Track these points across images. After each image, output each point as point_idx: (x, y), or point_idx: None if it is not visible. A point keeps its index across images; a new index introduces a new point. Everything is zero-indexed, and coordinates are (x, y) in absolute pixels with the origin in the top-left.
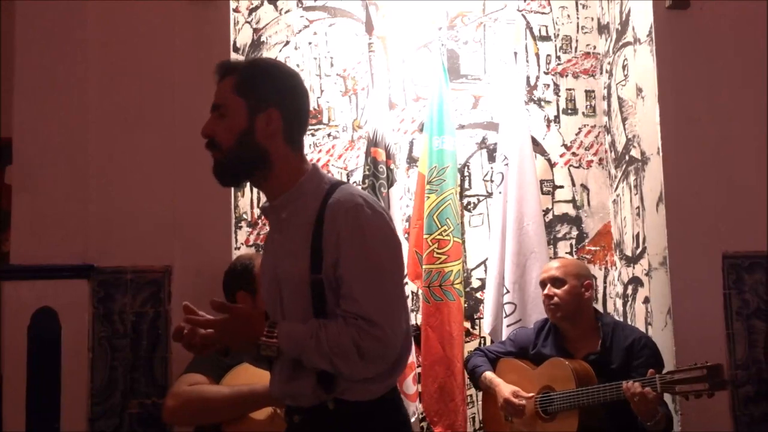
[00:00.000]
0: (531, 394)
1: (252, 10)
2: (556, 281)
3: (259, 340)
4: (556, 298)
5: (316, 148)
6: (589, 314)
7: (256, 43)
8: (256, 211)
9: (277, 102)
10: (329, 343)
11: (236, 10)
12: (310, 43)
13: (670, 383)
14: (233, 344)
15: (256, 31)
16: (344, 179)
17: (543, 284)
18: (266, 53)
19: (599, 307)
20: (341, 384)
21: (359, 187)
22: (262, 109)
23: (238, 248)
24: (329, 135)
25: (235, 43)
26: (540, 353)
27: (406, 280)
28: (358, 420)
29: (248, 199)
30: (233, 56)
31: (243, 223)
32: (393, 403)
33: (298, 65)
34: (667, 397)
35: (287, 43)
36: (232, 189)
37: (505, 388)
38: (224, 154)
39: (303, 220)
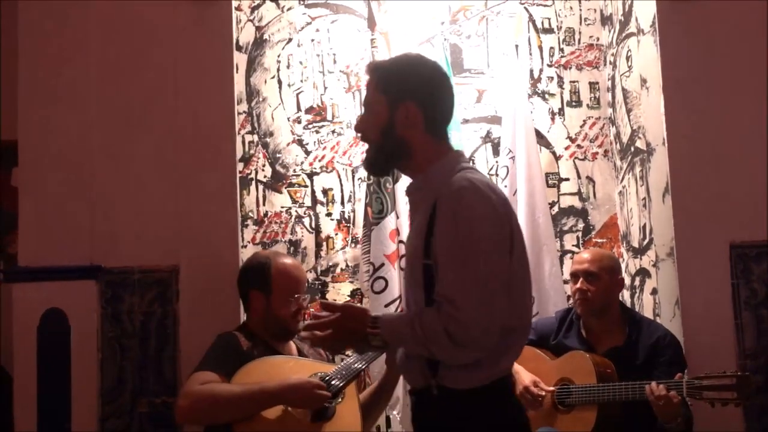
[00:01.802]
0: (551, 388)
1: (254, 8)
2: (590, 276)
3: (367, 333)
4: (589, 294)
5: (320, 144)
6: (616, 309)
7: (259, 41)
8: (262, 209)
9: (414, 95)
10: (423, 331)
11: (238, 9)
12: (312, 40)
13: (697, 389)
14: (348, 340)
15: (258, 29)
16: (349, 175)
17: (575, 276)
18: (269, 51)
19: None
20: (442, 369)
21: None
22: (400, 103)
23: (245, 246)
24: (333, 132)
25: (237, 41)
26: (561, 344)
27: None
28: (457, 409)
29: (254, 197)
30: (236, 55)
31: (249, 221)
32: (496, 397)
33: (300, 62)
34: None
35: (290, 40)
36: (238, 188)
37: (526, 377)
38: (372, 147)
39: (426, 205)
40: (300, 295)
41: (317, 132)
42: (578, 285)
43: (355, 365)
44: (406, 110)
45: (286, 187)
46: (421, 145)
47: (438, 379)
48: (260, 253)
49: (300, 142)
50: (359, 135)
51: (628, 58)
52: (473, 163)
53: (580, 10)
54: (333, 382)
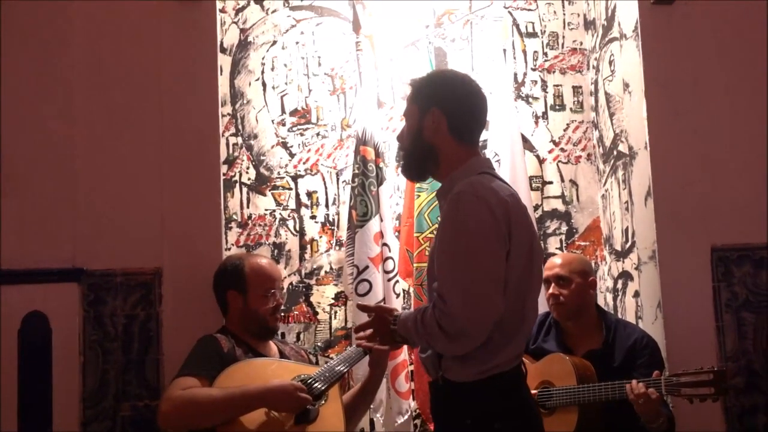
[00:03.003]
0: (532, 391)
1: (239, 11)
2: (561, 280)
3: (390, 330)
4: (561, 298)
5: (305, 147)
6: (592, 311)
7: (244, 44)
8: (246, 212)
9: (440, 103)
10: (423, 325)
11: (223, 11)
12: (297, 43)
13: (675, 386)
14: (383, 335)
15: (243, 31)
16: (333, 178)
17: (547, 282)
18: (253, 53)
19: None
20: (444, 362)
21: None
22: (427, 111)
23: (229, 249)
24: (318, 134)
25: (222, 43)
26: (540, 348)
27: (397, 278)
28: (456, 400)
29: (238, 200)
30: (220, 57)
31: (233, 224)
32: (490, 392)
33: (285, 65)
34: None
35: (274, 42)
36: (221, 190)
37: None
38: (405, 153)
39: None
40: (276, 290)
41: (302, 135)
42: (551, 290)
43: (338, 368)
44: (432, 116)
45: (270, 190)
46: (446, 151)
47: (442, 371)
48: (232, 255)
49: (284, 145)
50: (399, 144)
51: (611, 62)
52: None
53: (564, 14)
54: (315, 385)
